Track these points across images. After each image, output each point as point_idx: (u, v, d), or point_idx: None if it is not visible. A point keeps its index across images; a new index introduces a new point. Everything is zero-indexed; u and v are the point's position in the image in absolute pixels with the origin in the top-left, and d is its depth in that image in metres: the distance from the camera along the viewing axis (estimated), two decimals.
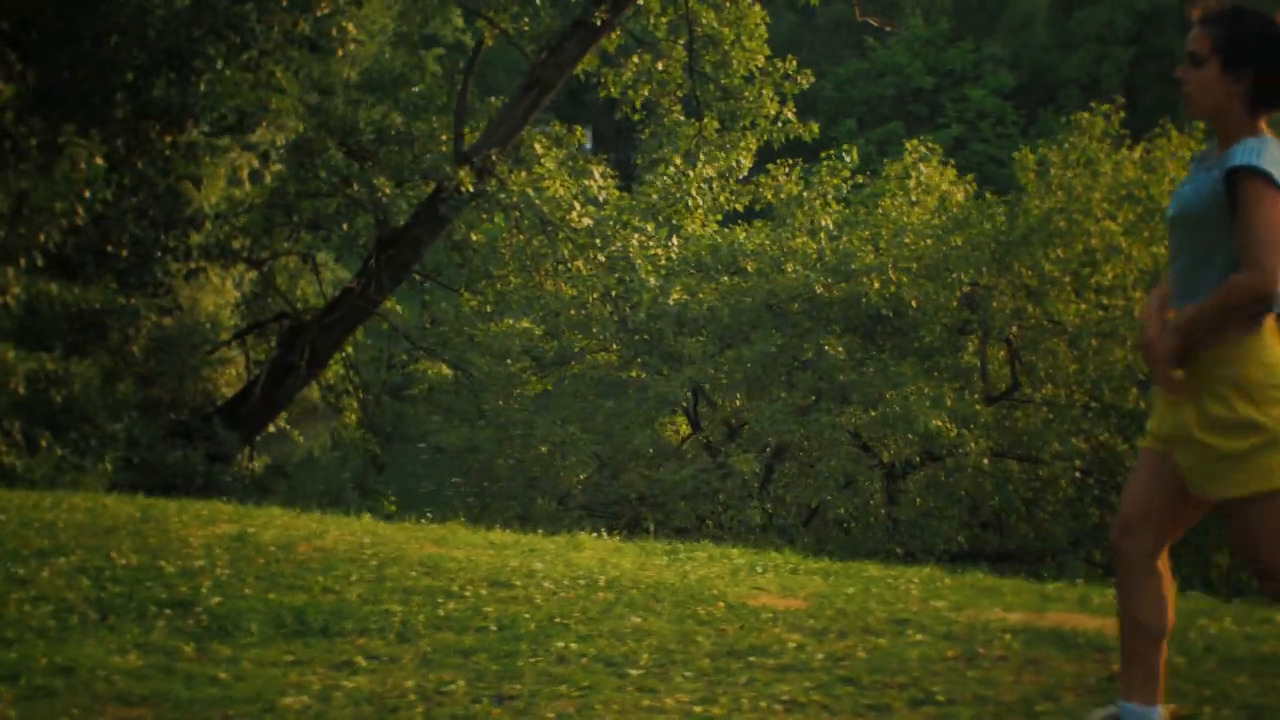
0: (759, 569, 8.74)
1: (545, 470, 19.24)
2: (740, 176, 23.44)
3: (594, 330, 20.62)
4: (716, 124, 23.52)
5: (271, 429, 24.57)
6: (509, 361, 21.08)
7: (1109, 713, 5.37)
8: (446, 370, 22.65)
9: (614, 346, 20.60)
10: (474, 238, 21.81)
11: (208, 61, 18.83)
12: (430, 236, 21.42)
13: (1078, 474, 19.66)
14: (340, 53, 19.32)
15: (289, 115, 21.32)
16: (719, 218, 23.47)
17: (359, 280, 21.13)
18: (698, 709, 5.79)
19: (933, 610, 7.58)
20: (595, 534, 11.46)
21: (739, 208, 23.58)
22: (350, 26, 18.99)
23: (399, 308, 23.77)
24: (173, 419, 19.05)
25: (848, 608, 7.56)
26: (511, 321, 22.17)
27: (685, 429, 21.98)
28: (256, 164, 21.88)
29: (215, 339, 22.30)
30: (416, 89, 22.36)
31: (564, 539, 9.80)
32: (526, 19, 21.27)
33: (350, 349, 23.53)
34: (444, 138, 21.36)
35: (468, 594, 7.49)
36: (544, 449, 19.17)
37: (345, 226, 20.53)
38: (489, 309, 22.62)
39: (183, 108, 18.69)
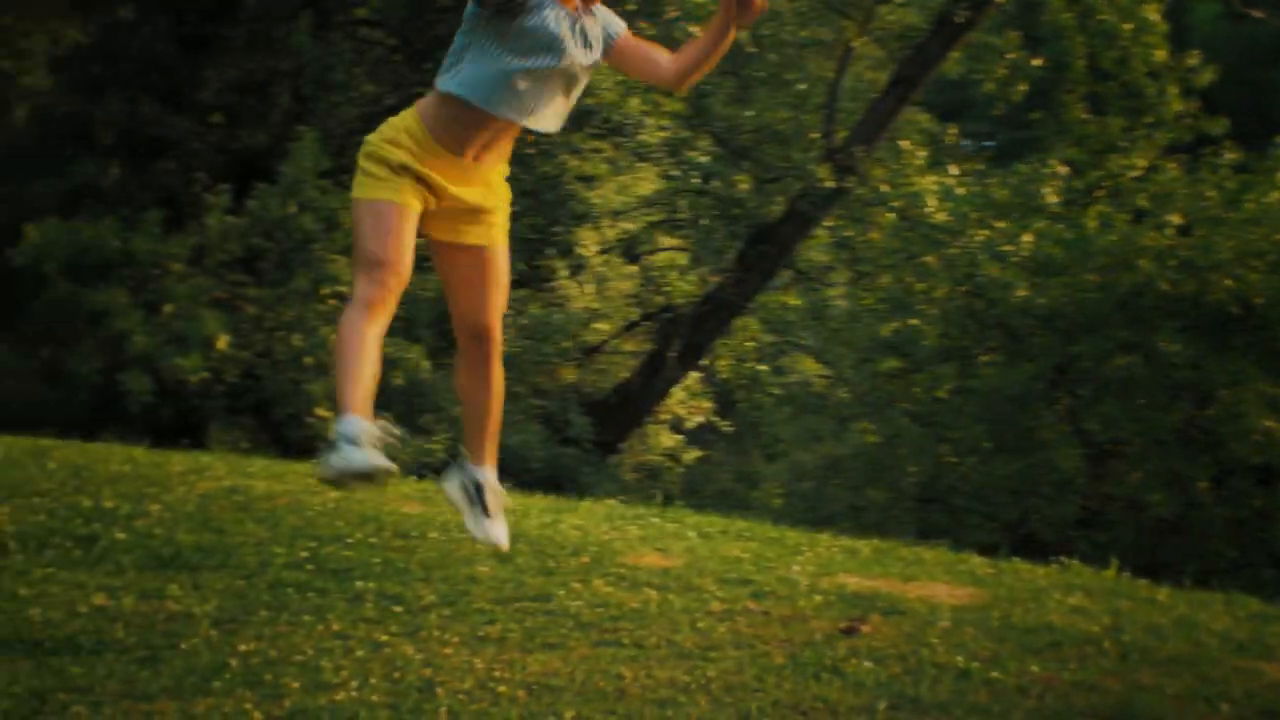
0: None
1: (877, 464, 19.48)
2: (1137, 175, 22.85)
3: (945, 326, 20.54)
4: (1122, 122, 23.06)
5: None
6: (869, 360, 21.26)
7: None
8: (814, 365, 23.10)
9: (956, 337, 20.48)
10: (846, 233, 22.17)
11: None
12: (798, 233, 21.91)
13: None
14: None
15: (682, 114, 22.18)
16: (1127, 216, 22.88)
17: (729, 275, 21.83)
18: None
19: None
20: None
21: (1144, 204, 22.97)
22: (695, 30, 19.65)
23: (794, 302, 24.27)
24: (533, 405, 20.17)
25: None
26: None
27: None
28: (640, 166, 22.79)
29: (595, 332, 23.30)
30: (801, 87, 22.86)
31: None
32: (891, 18, 21.51)
33: (751, 344, 24.28)
34: (814, 136, 21.82)
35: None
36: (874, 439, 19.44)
37: (704, 222, 21.24)
38: (883, 309, 22.78)
39: None
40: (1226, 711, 5.78)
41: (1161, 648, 6.64)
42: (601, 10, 5.56)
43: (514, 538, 8.30)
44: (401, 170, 5.53)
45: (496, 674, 5.94)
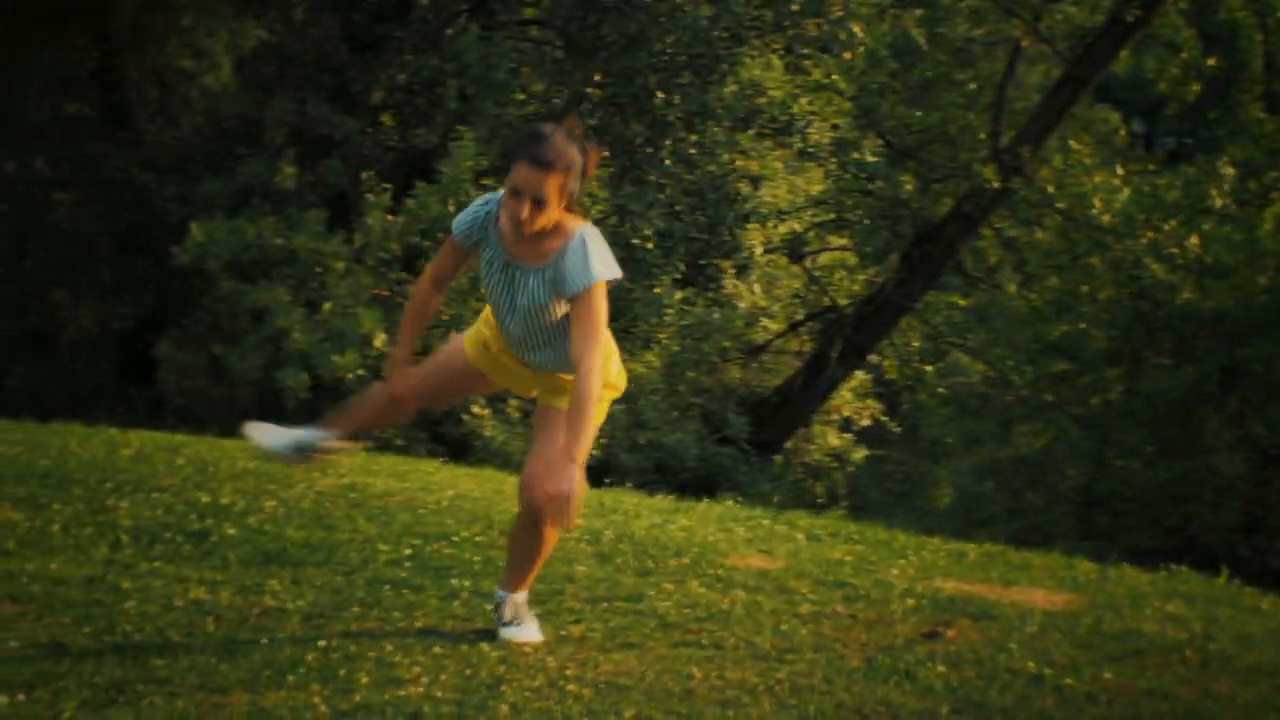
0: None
1: (1037, 467, 19.31)
2: None
3: (1109, 328, 20.30)
4: None
5: None
6: (1035, 363, 21.06)
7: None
8: (979, 367, 22.90)
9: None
10: (1012, 234, 21.99)
11: (733, 64, 20.02)
12: (963, 234, 21.78)
13: None
14: (849, 55, 20.03)
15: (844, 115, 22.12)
16: None
17: (893, 275, 21.75)
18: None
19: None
20: None
21: None
22: (858, 29, 19.68)
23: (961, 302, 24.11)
24: (692, 404, 20.19)
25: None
26: None
27: None
28: (806, 165, 22.73)
29: (758, 332, 23.30)
30: (972, 87, 22.69)
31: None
32: (1060, 16, 21.29)
33: (916, 345, 24.16)
34: (982, 136, 21.68)
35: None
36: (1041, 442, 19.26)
37: (867, 222, 21.20)
38: (1049, 310, 22.53)
39: (703, 108, 19.91)
40: None
41: (1245, 656, 6.55)
42: (576, 257, 5.81)
43: (619, 538, 8.43)
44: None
45: (569, 672, 6.00)
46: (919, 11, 22.65)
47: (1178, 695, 5.94)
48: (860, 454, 25.77)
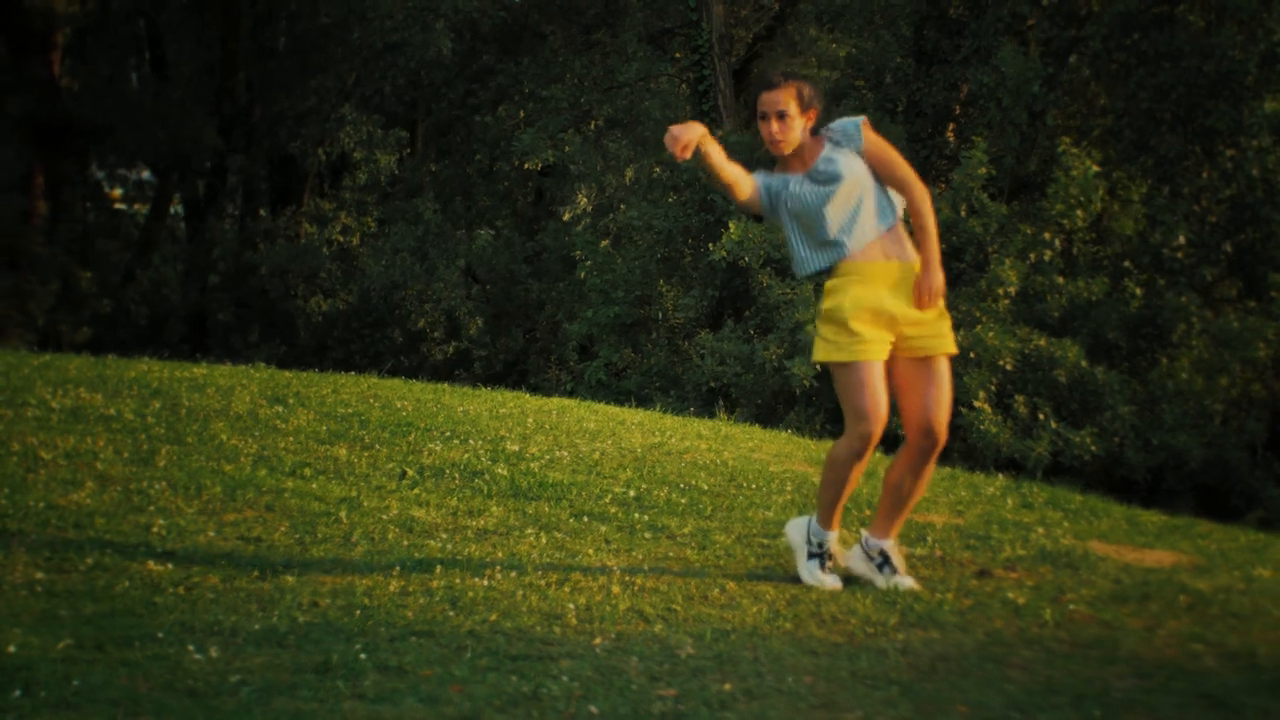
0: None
1: None
2: None
3: None
4: None
5: None
6: None
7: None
8: None
9: None
10: None
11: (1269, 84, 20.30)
12: None
13: None
14: None
15: None
16: None
17: None
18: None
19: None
20: None
21: None
22: None
23: None
24: (1214, 409, 20.24)
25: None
26: None
27: None
28: None
29: None
30: None
31: None
32: None
33: None
34: None
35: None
36: None
37: None
38: None
39: (1236, 125, 20.20)
40: (1198, 650, 6.15)
41: (1240, 604, 6.97)
42: (836, 134, 7.06)
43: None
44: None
45: (596, 566, 7.11)
46: None
47: (1122, 625, 6.52)
48: None
